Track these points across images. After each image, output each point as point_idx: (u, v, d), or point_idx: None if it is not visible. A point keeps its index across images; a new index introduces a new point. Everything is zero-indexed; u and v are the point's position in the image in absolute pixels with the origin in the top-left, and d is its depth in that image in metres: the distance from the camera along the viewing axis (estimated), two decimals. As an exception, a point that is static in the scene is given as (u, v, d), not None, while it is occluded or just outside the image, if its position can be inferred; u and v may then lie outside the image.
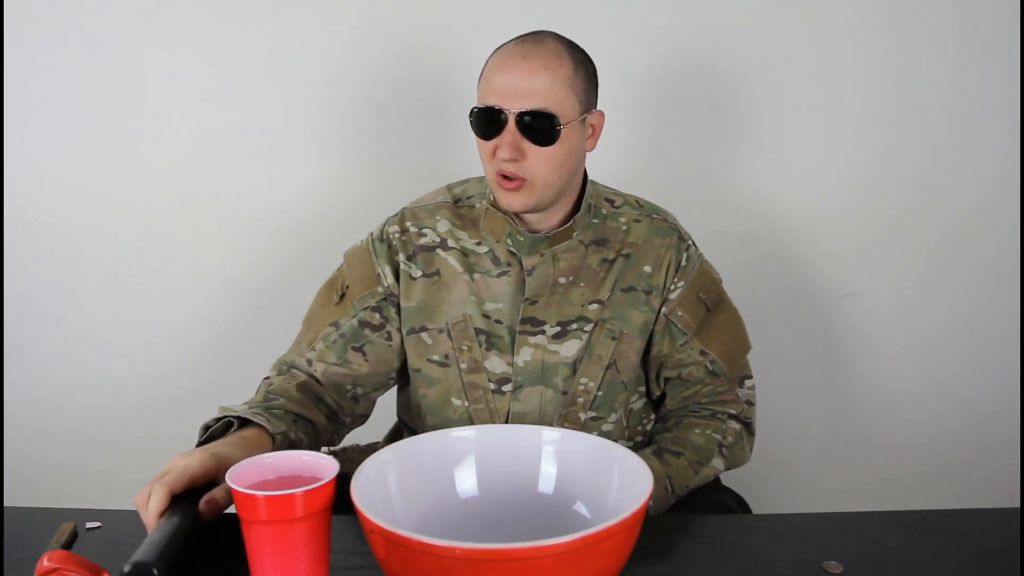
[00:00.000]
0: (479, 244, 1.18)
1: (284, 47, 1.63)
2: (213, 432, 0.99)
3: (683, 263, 1.20)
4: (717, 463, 1.15)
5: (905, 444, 1.80)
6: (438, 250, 1.18)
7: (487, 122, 1.07)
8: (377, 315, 1.18)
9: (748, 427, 1.23)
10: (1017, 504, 1.46)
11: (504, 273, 1.17)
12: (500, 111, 1.06)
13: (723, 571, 0.88)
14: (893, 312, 1.74)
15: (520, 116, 1.05)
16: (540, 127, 1.06)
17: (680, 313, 1.19)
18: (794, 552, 0.90)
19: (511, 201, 1.09)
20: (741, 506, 1.20)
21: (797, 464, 1.80)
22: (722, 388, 1.21)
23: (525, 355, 1.15)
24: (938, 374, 1.77)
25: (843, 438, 1.80)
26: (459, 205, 1.21)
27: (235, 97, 1.64)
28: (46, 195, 1.67)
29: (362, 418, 1.22)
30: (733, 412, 1.20)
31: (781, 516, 1.00)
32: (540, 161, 1.07)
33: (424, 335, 1.17)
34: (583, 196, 1.18)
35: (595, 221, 1.19)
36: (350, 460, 1.12)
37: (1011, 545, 0.91)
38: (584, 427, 1.17)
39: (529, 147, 1.06)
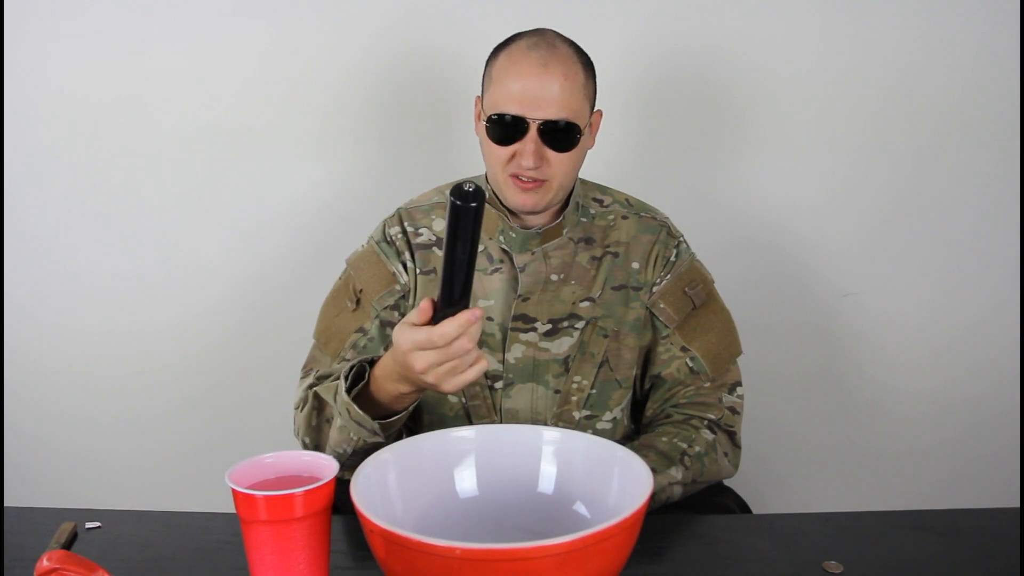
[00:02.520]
0: None
1: (286, 47, 1.62)
2: (352, 376, 1.01)
3: (672, 258, 1.21)
4: (675, 472, 1.09)
5: (905, 444, 1.80)
6: (434, 248, 1.19)
7: (506, 129, 1.08)
8: (396, 313, 1.18)
9: (731, 437, 1.18)
10: (1017, 504, 1.46)
11: (496, 270, 1.18)
12: (522, 119, 1.07)
13: (723, 571, 0.88)
14: (893, 313, 1.74)
15: (543, 125, 1.07)
16: (562, 135, 1.08)
17: (662, 306, 1.18)
18: (794, 552, 0.90)
19: (527, 201, 1.11)
20: (741, 507, 1.20)
21: (797, 464, 1.80)
22: (704, 390, 1.19)
23: (516, 352, 1.16)
24: (938, 374, 1.76)
25: (843, 438, 1.80)
26: None
27: (237, 97, 1.64)
28: (46, 195, 1.67)
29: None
30: (712, 418, 1.17)
31: (781, 516, 1.00)
32: (560, 165, 1.10)
33: None
34: (572, 193, 1.19)
35: (583, 220, 1.20)
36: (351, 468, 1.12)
37: (1011, 545, 0.91)
38: (578, 426, 1.16)
39: (549, 153, 1.08)
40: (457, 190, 0.80)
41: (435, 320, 0.87)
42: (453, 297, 0.85)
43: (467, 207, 0.80)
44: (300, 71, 1.63)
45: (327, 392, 1.05)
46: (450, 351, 0.86)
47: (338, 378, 1.04)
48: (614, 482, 0.85)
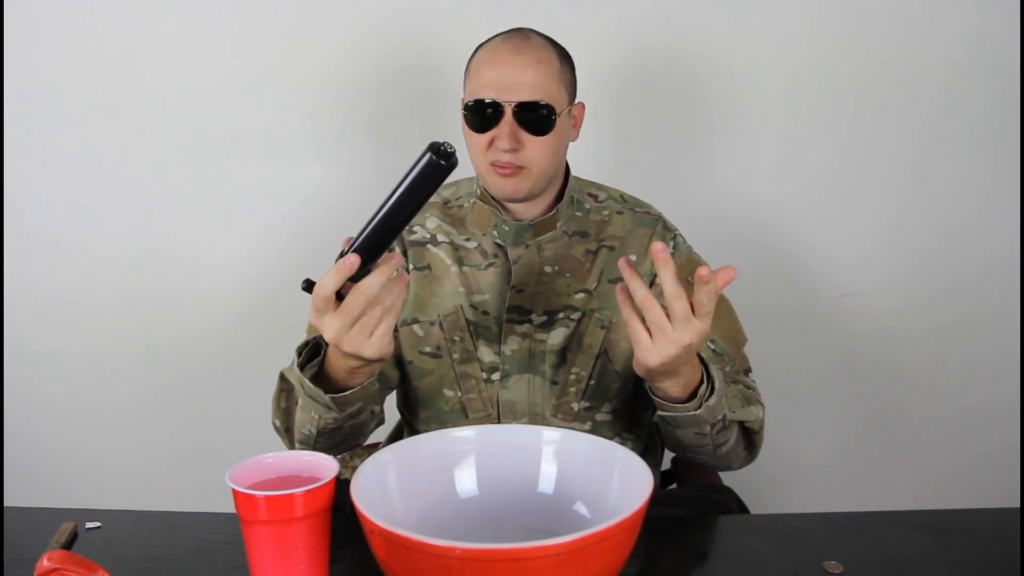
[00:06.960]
0: (468, 240, 1.20)
1: (286, 46, 1.63)
2: (302, 362, 1.00)
3: (669, 250, 1.20)
4: (757, 411, 1.10)
5: (904, 444, 1.80)
6: (428, 245, 1.21)
7: (482, 115, 1.10)
8: None
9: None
10: (1017, 504, 1.46)
11: (491, 265, 1.19)
12: (497, 104, 1.09)
13: (723, 571, 0.88)
14: (893, 313, 1.74)
15: (517, 107, 1.09)
16: (537, 117, 1.09)
17: None
18: (794, 552, 0.90)
19: (507, 187, 1.12)
20: (740, 506, 1.20)
21: (797, 464, 1.80)
22: (727, 374, 1.17)
23: (512, 344, 1.16)
24: (938, 374, 1.76)
25: (842, 438, 1.80)
26: (448, 206, 1.24)
27: (237, 97, 1.64)
28: (47, 196, 1.67)
29: (380, 420, 1.22)
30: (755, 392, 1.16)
31: (781, 516, 1.00)
32: (537, 150, 1.11)
33: (416, 327, 1.19)
34: (566, 186, 1.20)
35: (578, 214, 1.21)
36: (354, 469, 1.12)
37: (1011, 545, 0.91)
38: (578, 417, 1.17)
39: (526, 137, 1.10)
40: (436, 147, 0.78)
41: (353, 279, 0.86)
42: (380, 252, 0.85)
43: (447, 166, 0.79)
44: (300, 71, 1.64)
45: (291, 372, 1.06)
46: (350, 313, 0.86)
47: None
48: (614, 482, 0.84)
